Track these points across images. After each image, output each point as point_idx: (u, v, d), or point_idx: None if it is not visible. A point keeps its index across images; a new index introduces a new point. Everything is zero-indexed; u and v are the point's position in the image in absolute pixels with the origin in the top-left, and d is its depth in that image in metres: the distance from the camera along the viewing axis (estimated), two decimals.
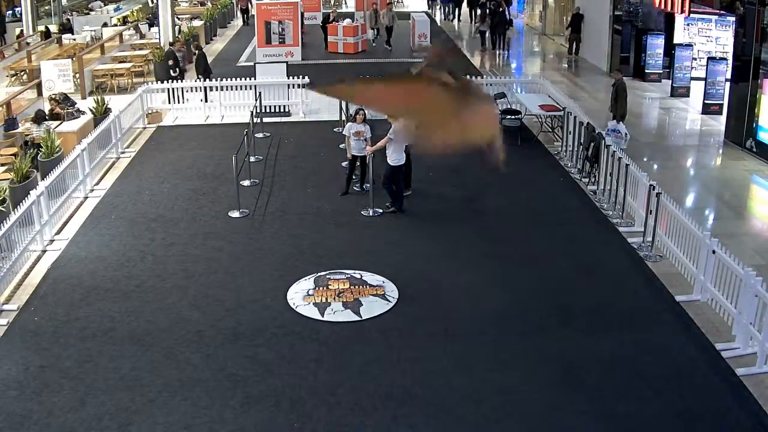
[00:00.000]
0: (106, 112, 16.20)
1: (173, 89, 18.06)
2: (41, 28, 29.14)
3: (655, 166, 14.65)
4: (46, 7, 34.72)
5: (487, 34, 27.96)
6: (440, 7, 37.54)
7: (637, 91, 20.03)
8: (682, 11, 19.08)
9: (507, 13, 28.49)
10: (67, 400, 7.59)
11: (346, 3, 39.99)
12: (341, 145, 14.52)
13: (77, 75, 20.24)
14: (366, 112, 12.79)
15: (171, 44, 21.14)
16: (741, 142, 15.48)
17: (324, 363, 8.20)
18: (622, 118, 14.85)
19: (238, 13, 36.71)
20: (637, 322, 8.98)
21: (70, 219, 12.22)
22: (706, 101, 18.13)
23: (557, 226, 11.70)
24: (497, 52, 27.63)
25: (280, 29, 24.54)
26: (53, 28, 30.06)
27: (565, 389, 7.74)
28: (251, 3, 31.54)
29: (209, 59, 20.80)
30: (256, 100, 17.03)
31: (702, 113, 18.14)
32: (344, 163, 13.49)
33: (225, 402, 7.56)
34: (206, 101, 18.17)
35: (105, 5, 35.71)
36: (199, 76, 18.60)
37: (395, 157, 11.92)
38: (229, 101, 18.25)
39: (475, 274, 10.17)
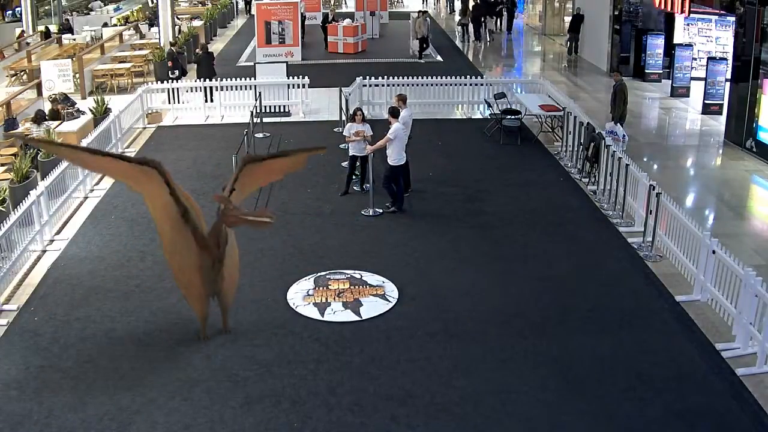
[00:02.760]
0: (106, 112, 16.21)
1: (173, 89, 18.05)
2: (41, 28, 29.14)
3: (655, 166, 14.66)
4: (46, 7, 34.72)
5: (469, 27, 28.84)
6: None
7: (637, 91, 20.05)
8: (682, 11, 19.08)
9: (490, 6, 28.85)
10: (67, 400, 7.58)
11: (345, 3, 40.03)
12: (341, 145, 14.52)
13: (77, 75, 20.25)
14: (364, 111, 12.89)
15: (172, 44, 21.16)
16: (741, 142, 15.48)
17: (324, 363, 8.20)
18: (620, 120, 14.85)
19: (242, 3, 37.06)
20: (637, 322, 8.98)
21: (70, 219, 12.23)
22: (706, 101, 18.14)
23: (557, 226, 11.71)
24: (479, 44, 28.30)
25: (280, 29, 24.54)
26: (53, 28, 30.07)
27: (565, 389, 7.74)
28: None
29: None
30: (256, 100, 17.04)
31: (702, 113, 18.15)
32: (344, 163, 13.49)
33: (225, 402, 7.56)
34: (207, 101, 18.15)
35: (105, 5, 35.72)
36: (200, 78, 18.55)
37: (395, 157, 11.93)
38: (229, 101, 18.25)
39: (475, 274, 10.17)
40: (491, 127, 16.44)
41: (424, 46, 25.20)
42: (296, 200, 12.77)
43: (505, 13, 30.09)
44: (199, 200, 12.79)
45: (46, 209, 11.30)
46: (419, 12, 26.71)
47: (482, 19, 28.74)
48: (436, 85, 18.40)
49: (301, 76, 18.33)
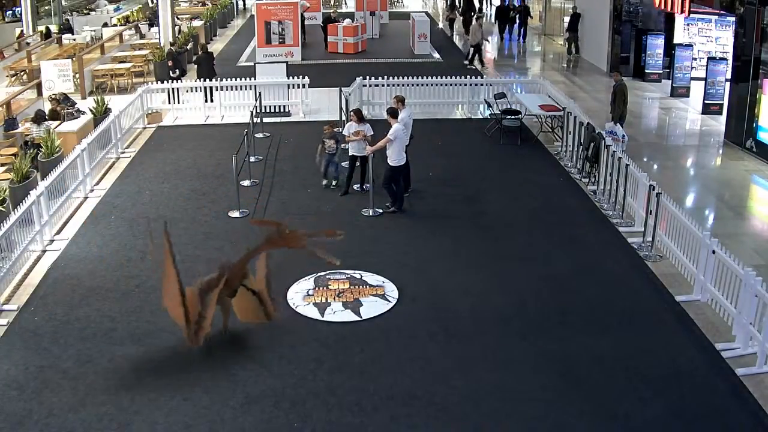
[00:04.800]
0: (106, 112, 16.21)
1: (173, 89, 18.05)
2: (41, 28, 29.15)
3: (655, 166, 14.66)
4: (46, 7, 34.74)
5: (458, 23, 30.14)
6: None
7: (637, 91, 20.05)
8: (682, 11, 19.09)
9: (475, 2, 29.16)
10: (67, 400, 7.59)
11: (345, 3, 40.04)
12: (341, 146, 14.51)
13: (77, 75, 20.25)
14: (362, 111, 13.05)
15: (172, 44, 21.17)
16: (741, 142, 15.48)
17: (324, 363, 8.20)
18: (620, 120, 14.85)
19: (242, 4, 37.33)
20: (637, 322, 8.98)
21: (70, 219, 12.22)
22: (706, 101, 18.15)
23: (557, 226, 11.71)
24: (468, 37, 28.66)
25: (280, 29, 24.54)
26: (53, 28, 30.09)
27: (565, 389, 7.74)
28: None
29: None
30: (256, 100, 17.04)
31: (702, 113, 18.16)
32: (344, 163, 13.49)
33: (225, 402, 7.56)
34: (207, 101, 18.15)
35: (108, 4, 35.75)
36: (200, 78, 18.54)
37: (395, 158, 11.93)
38: (229, 101, 18.25)
39: (475, 274, 10.17)
40: (491, 127, 16.44)
41: (477, 54, 23.94)
42: (296, 200, 12.78)
43: (518, 20, 29.91)
44: (199, 200, 12.86)
45: (46, 209, 11.29)
46: (474, 16, 26.22)
47: (472, 14, 29.56)
48: (436, 85, 18.40)
49: (301, 76, 18.34)
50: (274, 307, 8.53)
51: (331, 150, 13.07)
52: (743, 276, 8.43)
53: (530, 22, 32.97)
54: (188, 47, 23.81)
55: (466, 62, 24.04)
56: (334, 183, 13.23)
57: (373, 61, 24.08)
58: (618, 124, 14.35)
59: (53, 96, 16.99)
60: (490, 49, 27.62)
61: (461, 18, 30.70)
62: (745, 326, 8.39)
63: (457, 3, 31.66)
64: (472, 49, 24.04)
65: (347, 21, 27.33)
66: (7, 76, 22.26)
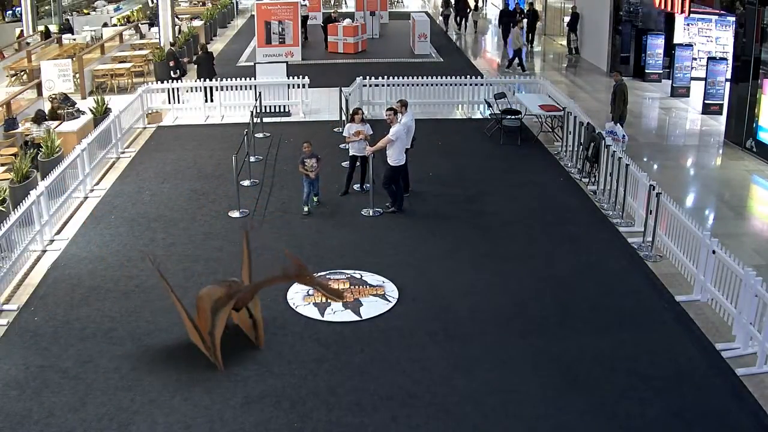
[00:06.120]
0: (106, 112, 16.21)
1: (173, 89, 18.05)
2: (41, 28, 29.15)
3: (655, 166, 14.66)
4: (46, 7, 34.74)
5: (451, 18, 31.50)
6: None
7: (637, 91, 20.05)
8: (682, 11, 19.10)
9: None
10: (67, 400, 7.59)
11: (346, 3, 40.05)
12: (341, 145, 14.53)
13: (77, 75, 20.25)
14: (363, 111, 13.00)
15: (172, 44, 21.16)
16: (741, 142, 15.48)
17: (324, 363, 8.20)
18: (620, 120, 14.85)
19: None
20: (637, 322, 8.98)
21: (70, 219, 12.23)
22: (706, 101, 18.15)
23: (557, 226, 11.71)
24: (462, 32, 30.41)
25: (280, 29, 24.54)
26: (53, 28, 30.09)
27: (565, 389, 7.74)
28: None
29: None
30: (256, 100, 17.04)
31: (702, 113, 18.16)
32: (344, 163, 13.50)
33: (225, 402, 7.56)
34: (207, 101, 18.15)
35: (109, 4, 35.74)
36: (200, 78, 18.53)
37: (396, 158, 11.93)
38: (229, 101, 18.25)
39: (475, 274, 10.17)
40: (491, 127, 16.44)
41: (518, 59, 23.21)
42: (296, 200, 12.76)
43: (525, 25, 29.13)
44: (199, 200, 12.86)
45: (46, 209, 11.29)
46: (515, 23, 25.18)
47: (467, 11, 31.25)
48: (436, 85, 18.40)
49: (301, 76, 18.34)
50: (263, 337, 8.58)
51: (312, 169, 12.05)
52: (743, 276, 8.43)
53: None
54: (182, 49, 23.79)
55: (522, 71, 23.21)
56: (308, 208, 12.20)
57: (373, 61, 24.09)
58: (618, 124, 14.35)
59: (53, 96, 16.99)
60: (492, 52, 27.63)
61: (455, 14, 31.46)
62: (745, 326, 8.39)
63: (451, 0, 31.93)
64: (516, 57, 23.24)
65: (347, 21, 27.33)
66: (7, 76, 22.26)
